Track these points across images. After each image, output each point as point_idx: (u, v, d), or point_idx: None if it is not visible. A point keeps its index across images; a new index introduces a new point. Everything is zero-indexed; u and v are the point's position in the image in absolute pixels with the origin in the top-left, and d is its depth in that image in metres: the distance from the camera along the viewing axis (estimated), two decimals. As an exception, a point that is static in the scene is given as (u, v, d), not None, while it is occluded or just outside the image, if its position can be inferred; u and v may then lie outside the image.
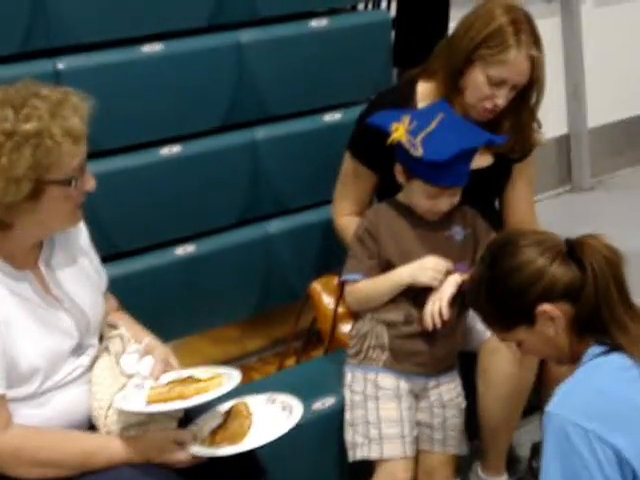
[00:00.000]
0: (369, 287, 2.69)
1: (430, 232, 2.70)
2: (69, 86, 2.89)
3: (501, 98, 2.77)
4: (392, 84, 3.66)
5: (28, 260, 2.25)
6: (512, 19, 2.73)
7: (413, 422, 2.68)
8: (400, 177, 2.69)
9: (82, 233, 2.41)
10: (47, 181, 2.13)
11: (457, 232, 2.72)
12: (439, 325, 2.59)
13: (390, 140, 2.62)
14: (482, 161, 2.89)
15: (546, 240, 2.11)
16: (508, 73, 2.74)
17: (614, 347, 2.02)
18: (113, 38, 3.14)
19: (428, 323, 2.59)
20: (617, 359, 2.01)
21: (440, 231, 2.71)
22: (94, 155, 3.02)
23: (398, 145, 2.61)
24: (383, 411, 2.66)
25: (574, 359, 2.11)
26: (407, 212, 2.70)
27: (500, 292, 2.10)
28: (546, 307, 2.05)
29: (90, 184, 2.24)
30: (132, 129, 3.13)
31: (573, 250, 2.07)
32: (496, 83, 2.75)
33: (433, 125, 2.60)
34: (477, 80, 2.76)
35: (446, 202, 2.65)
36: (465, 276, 2.61)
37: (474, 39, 2.74)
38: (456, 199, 2.67)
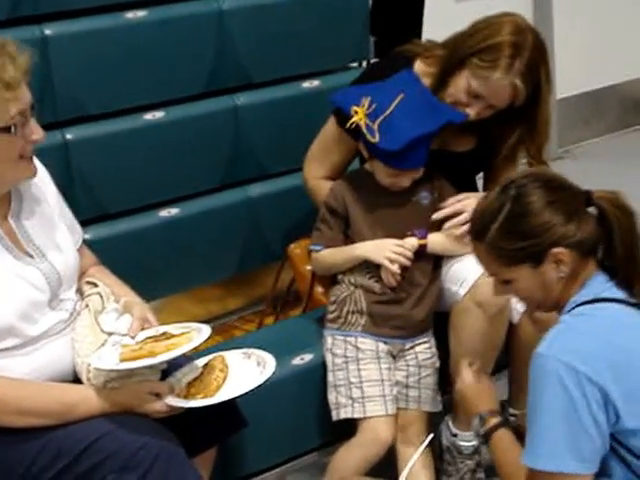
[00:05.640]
0: (329, 258, 2.76)
1: (397, 198, 2.73)
2: (56, 52, 2.98)
3: (473, 110, 2.73)
4: (370, 53, 3.69)
5: None
6: (515, 42, 2.66)
7: (393, 382, 2.72)
8: (364, 152, 2.74)
9: (49, 187, 2.42)
10: None
11: (424, 197, 2.76)
12: (394, 283, 2.68)
13: (349, 124, 2.65)
14: (464, 145, 2.92)
15: (570, 186, 2.12)
16: (486, 91, 2.70)
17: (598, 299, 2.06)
18: (98, 4, 3.16)
19: (389, 282, 2.69)
20: (606, 308, 2.05)
21: (407, 196, 2.74)
22: (80, 120, 3.09)
23: (357, 127, 2.63)
24: (364, 372, 2.70)
25: (555, 308, 2.14)
26: (374, 180, 2.73)
27: (517, 229, 2.07)
28: (560, 250, 2.05)
29: (38, 135, 2.22)
30: (117, 94, 3.16)
31: (594, 204, 2.08)
32: (473, 95, 2.71)
33: (391, 109, 2.61)
34: (459, 84, 2.72)
35: (408, 179, 2.69)
36: (424, 241, 2.70)
37: (473, 46, 2.69)
38: (418, 174, 2.70)
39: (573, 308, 2.07)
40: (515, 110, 2.77)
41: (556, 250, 2.05)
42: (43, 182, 2.40)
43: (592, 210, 2.09)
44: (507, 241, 2.07)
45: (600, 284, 2.09)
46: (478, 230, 2.13)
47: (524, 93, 2.71)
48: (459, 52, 2.73)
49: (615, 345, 2.00)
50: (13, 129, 2.16)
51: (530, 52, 2.68)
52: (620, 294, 2.08)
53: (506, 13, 2.76)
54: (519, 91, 2.70)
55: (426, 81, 2.80)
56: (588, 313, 2.05)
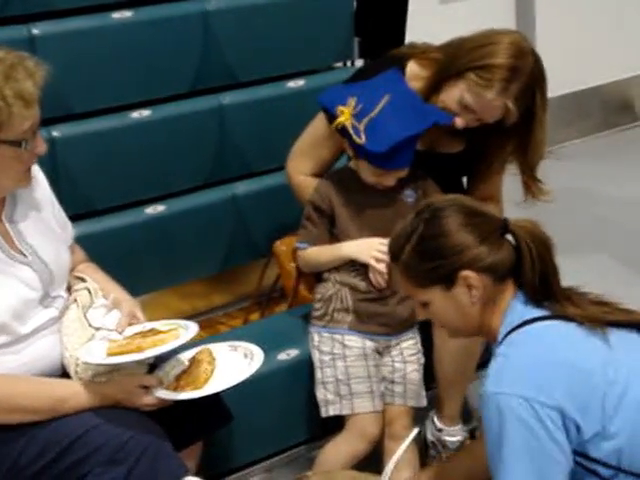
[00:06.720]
0: (315, 256, 2.77)
1: (382, 196, 2.74)
2: (44, 51, 3.00)
3: (462, 121, 2.74)
4: (355, 53, 3.73)
5: None
6: (514, 66, 2.66)
7: (379, 378, 2.75)
8: (349, 151, 2.75)
9: (43, 187, 2.44)
10: None
11: (409, 195, 2.76)
12: (383, 284, 2.69)
13: (335, 124, 2.65)
14: (453, 147, 2.92)
15: (487, 213, 2.15)
16: (478, 107, 2.71)
17: (528, 320, 2.07)
18: (85, 5, 3.20)
19: (377, 282, 2.70)
20: (535, 328, 2.06)
21: (392, 195, 2.75)
22: (68, 118, 3.12)
23: (343, 127, 2.64)
24: (352, 369, 2.71)
25: (476, 334, 2.18)
26: (359, 178, 2.74)
27: (429, 249, 2.10)
28: (469, 274, 2.08)
29: (41, 148, 2.27)
30: (104, 93, 3.19)
31: (510, 231, 2.10)
32: (464, 106, 2.72)
33: (377, 109, 2.61)
34: (452, 93, 2.72)
35: (393, 178, 2.70)
36: None
37: (473, 61, 2.69)
38: (404, 174, 2.71)
39: (504, 338, 2.08)
40: (506, 126, 2.79)
41: (465, 273, 2.08)
42: (37, 182, 2.41)
43: (509, 237, 2.12)
44: (419, 261, 2.11)
45: (522, 308, 2.11)
46: (394, 251, 2.17)
47: (515, 114, 2.72)
48: (457, 63, 2.73)
49: (556, 362, 2.01)
50: (24, 144, 2.20)
51: (527, 77, 2.69)
52: (542, 311, 2.09)
53: (510, 31, 2.78)
54: (510, 112, 2.72)
55: (418, 84, 2.81)
56: (520, 339, 2.06)
